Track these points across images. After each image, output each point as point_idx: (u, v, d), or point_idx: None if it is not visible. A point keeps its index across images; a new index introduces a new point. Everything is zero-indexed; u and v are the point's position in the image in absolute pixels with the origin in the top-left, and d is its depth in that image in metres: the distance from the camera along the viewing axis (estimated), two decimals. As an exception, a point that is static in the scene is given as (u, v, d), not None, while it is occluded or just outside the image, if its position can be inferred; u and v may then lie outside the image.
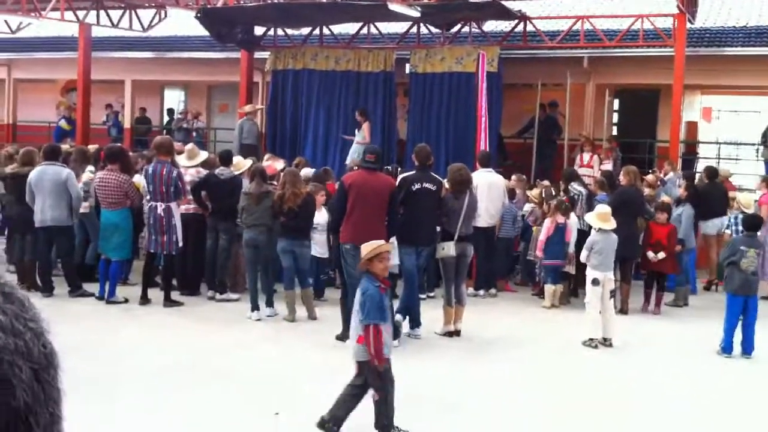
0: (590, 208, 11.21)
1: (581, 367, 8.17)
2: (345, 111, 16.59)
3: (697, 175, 13.94)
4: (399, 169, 12.24)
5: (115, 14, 19.77)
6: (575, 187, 11.78)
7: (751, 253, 8.67)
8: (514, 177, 13.42)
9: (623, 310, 10.65)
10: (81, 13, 19.17)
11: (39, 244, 10.60)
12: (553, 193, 11.77)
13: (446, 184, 9.81)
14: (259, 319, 9.65)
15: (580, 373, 7.96)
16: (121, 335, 8.83)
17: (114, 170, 10.23)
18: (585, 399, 7.13)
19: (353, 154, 15.41)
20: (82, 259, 11.31)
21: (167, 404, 6.62)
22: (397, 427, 6.00)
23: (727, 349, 8.63)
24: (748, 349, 8.66)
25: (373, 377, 5.87)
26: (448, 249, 9.08)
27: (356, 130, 15.75)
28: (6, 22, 21.83)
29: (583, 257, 9.42)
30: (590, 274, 9.21)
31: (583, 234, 11.05)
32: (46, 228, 10.37)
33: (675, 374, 8.09)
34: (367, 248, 6.06)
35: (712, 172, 13.02)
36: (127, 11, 19.83)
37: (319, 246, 10.74)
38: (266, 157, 13.30)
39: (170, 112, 22.81)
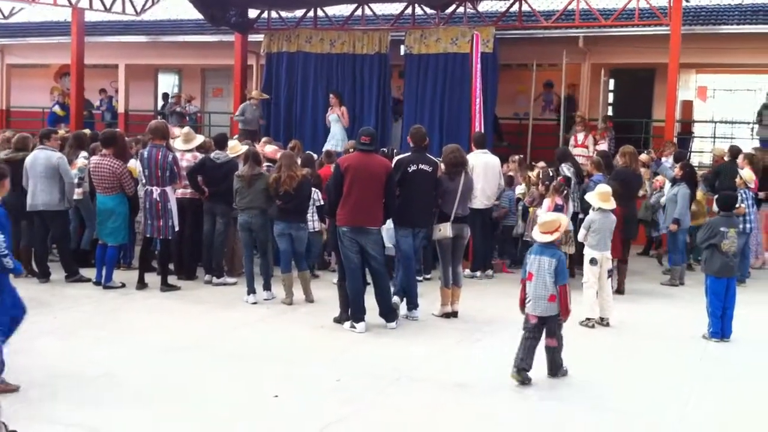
0: (583, 190, 11.20)
1: (578, 347, 8.17)
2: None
3: (699, 155, 13.94)
4: (395, 150, 12.21)
5: (107, -2, 19.66)
6: (564, 168, 11.72)
7: (731, 234, 8.58)
8: (514, 158, 13.40)
9: (620, 290, 10.67)
10: (73, -2, 19.05)
11: (35, 229, 10.59)
12: (551, 173, 11.75)
13: (442, 166, 9.80)
14: (255, 302, 9.66)
15: (576, 353, 7.96)
16: (120, 319, 8.83)
17: (108, 155, 10.20)
18: (581, 378, 7.15)
19: (337, 138, 15.38)
20: (78, 245, 11.31)
21: (167, 386, 6.63)
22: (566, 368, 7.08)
23: (716, 333, 8.50)
24: (727, 332, 8.55)
25: (557, 328, 6.99)
26: (445, 230, 9.08)
27: (332, 114, 15.65)
28: (-2, 6, 21.70)
29: (580, 236, 9.42)
30: (588, 253, 9.21)
31: (574, 216, 11.07)
32: (38, 213, 10.37)
33: (668, 355, 8.11)
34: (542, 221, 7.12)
35: (735, 151, 13.07)
36: (120, -5, 19.73)
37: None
38: (264, 140, 13.28)
39: (165, 96, 22.72)
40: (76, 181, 10.84)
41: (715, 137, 18.80)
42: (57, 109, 21.35)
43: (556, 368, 7.09)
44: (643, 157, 13.07)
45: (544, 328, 7.01)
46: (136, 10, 20.22)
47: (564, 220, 7.53)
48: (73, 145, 11.39)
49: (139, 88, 22.32)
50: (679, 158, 12.73)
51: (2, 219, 6.32)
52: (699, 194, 12.30)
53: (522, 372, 6.87)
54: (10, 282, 6.54)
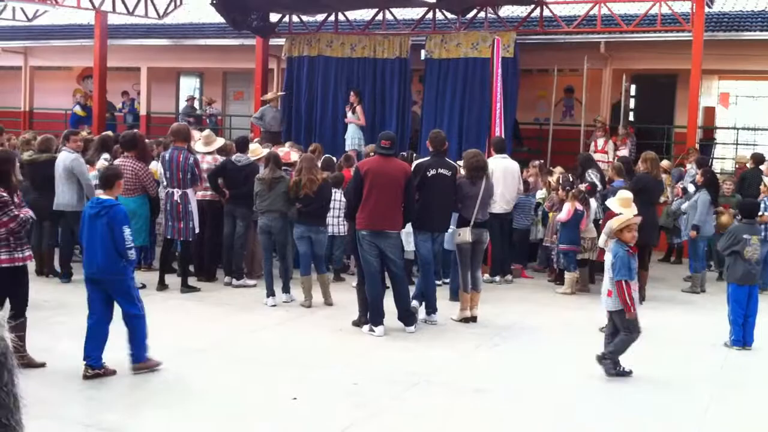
0: (603, 196, 11.17)
1: (598, 352, 8.14)
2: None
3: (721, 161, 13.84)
4: (414, 155, 12.22)
5: (130, 1, 19.81)
6: (590, 174, 11.71)
7: (754, 241, 8.49)
8: (534, 164, 13.33)
9: (641, 297, 10.58)
10: (97, 1, 19.21)
11: (61, 229, 10.73)
12: (570, 179, 11.71)
13: (461, 170, 9.79)
14: (275, 305, 9.69)
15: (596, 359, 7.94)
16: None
17: (130, 157, 10.27)
18: (601, 385, 7.12)
19: (349, 138, 15.42)
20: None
21: (186, 387, 6.66)
22: (620, 366, 7.27)
23: (738, 341, 8.43)
24: (749, 340, 8.48)
25: (622, 320, 7.23)
26: (465, 235, 9.07)
27: (350, 112, 15.72)
28: (22, 9, 21.90)
29: (601, 242, 9.33)
30: (609, 259, 9.14)
31: (596, 223, 11.02)
32: (62, 213, 10.49)
33: (688, 363, 8.05)
34: (617, 220, 7.37)
35: (759, 159, 12.98)
36: (143, -2, 19.88)
37: None
38: (287, 144, 13.32)
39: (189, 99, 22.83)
40: (96, 182, 10.91)
41: (737, 144, 18.65)
42: (77, 109, 21.53)
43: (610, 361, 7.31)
44: (665, 163, 13.00)
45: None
46: (158, 14, 20.36)
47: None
48: (98, 148, 11.47)
49: (161, 91, 22.46)
50: (701, 164, 12.65)
51: (124, 214, 6.81)
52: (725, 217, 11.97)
53: (603, 360, 7.26)
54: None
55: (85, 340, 6.75)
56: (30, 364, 6.56)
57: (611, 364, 7.26)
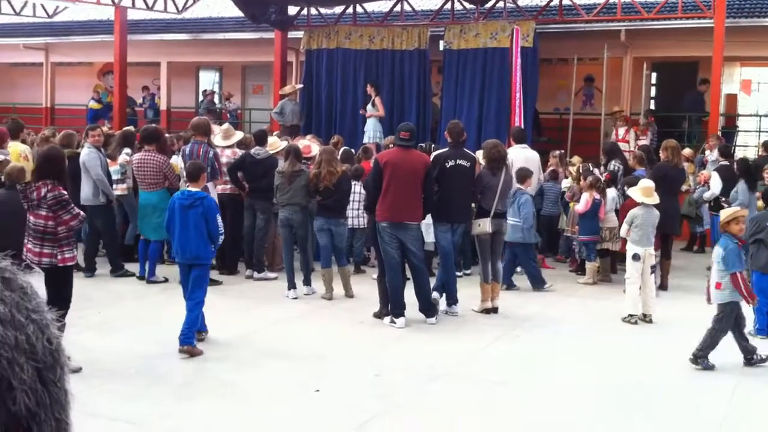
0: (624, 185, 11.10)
1: (620, 343, 8.11)
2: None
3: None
4: (433, 146, 12.20)
5: (149, -3, 19.90)
6: (614, 163, 11.64)
7: None
8: (555, 153, 13.22)
9: (663, 286, 10.55)
10: (116, -4, 19.30)
11: (85, 224, 10.83)
12: (590, 168, 11.65)
13: (480, 161, 9.77)
14: (296, 298, 9.72)
15: (619, 349, 7.91)
16: (162, 314, 8.93)
17: (151, 151, 10.32)
18: (624, 375, 7.09)
19: (370, 131, 15.40)
20: (122, 240, 11.48)
21: (209, 380, 6.71)
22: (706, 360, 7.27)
23: (762, 330, 8.37)
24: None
25: (722, 313, 7.28)
26: (484, 225, 9.05)
27: (369, 105, 15.71)
28: (43, 6, 22.05)
29: (623, 232, 9.32)
30: (630, 249, 9.11)
31: (618, 213, 10.93)
32: (83, 207, 10.57)
33: (712, 352, 7.99)
34: (724, 213, 7.45)
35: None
36: (162, -7, 19.96)
37: None
38: (308, 137, 13.33)
39: (204, 93, 22.92)
40: (118, 177, 11.00)
41: (760, 131, 18.46)
42: (92, 103, 21.67)
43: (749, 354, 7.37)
44: (687, 151, 12.89)
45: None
46: (177, 8, 20.43)
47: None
48: (120, 143, 11.54)
49: (181, 86, 22.55)
50: (724, 152, 12.53)
51: (216, 204, 7.75)
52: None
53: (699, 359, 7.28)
54: None
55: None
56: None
57: (706, 359, 7.28)
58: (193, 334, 7.37)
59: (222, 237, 7.68)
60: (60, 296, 6.62)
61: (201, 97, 22.44)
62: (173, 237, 7.64)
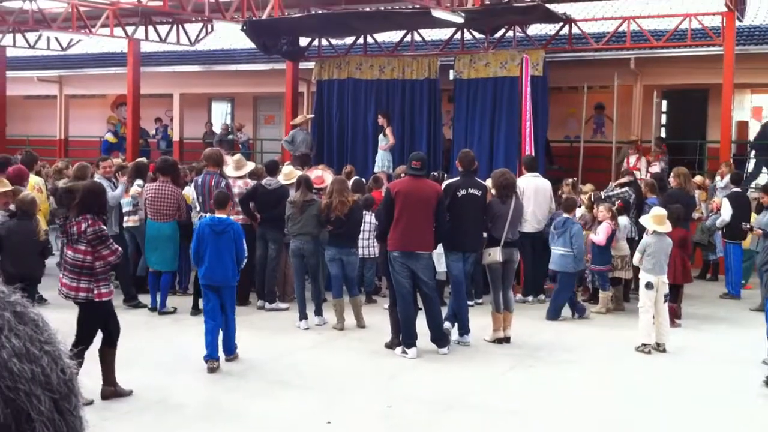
0: (639, 212, 11.08)
1: (634, 373, 8.05)
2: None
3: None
4: (445, 175, 12.22)
5: (162, 29, 20.11)
6: (627, 191, 11.62)
7: None
8: (567, 182, 13.16)
9: (677, 315, 10.47)
10: (130, 29, 19.52)
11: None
12: (602, 196, 11.63)
13: (491, 190, 9.77)
14: (307, 328, 9.70)
15: (632, 379, 7.85)
16: (174, 345, 8.94)
17: (166, 182, 10.38)
18: (638, 405, 7.03)
19: (379, 161, 15.44)
20: (134, 272, 11.51)
21: (222, 411, 6.69)
22: None
23: None
24: None
25: None
26: (495, 254, 9.03)
27: (380, 135, 15.75)
28: (57, 39, 22.31)
29: (636, 260, 9.28)
30: (643, 277, 9.06)
31: (630, 241, 10.90)
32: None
33: (727, 381, 7.92)
34: None
35: None
36: (175, 26, 20.17)
37: None
38: (320, 167, 13.37)
39: (224, 127, 22.92)
40: (130, 208, 11.05)
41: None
42: (109, 136, 21.84)
43: None
44: (698, 179, 12.87)
45: None
46: (190, 41, 20.64)
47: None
48: (133, 175, 11.59)
49: (193, 117, 22.71)
50: (735, 179, 12.50)
51: (241, 228, 8.39)
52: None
53: None
54: None
55: (206, 341, 7.79)
56: (120, 393, 6.88)
57: None
58: (234, 345, 8.19)
59: (245, 260, 8.27)
60: (105, 330, 6.82)
61: (220, 129, 22.36)
62: (202, 262, 7.97)
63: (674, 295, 10.06)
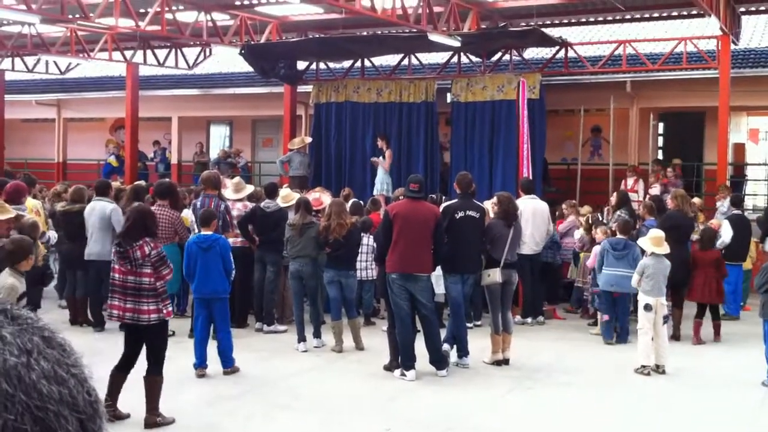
0: (636, 234, 11.09)
1: (633, 395, 8.03)
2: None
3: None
4: (443, 197, 12.24)
5: (161, 53, 20.21)
6: (622, 212, 11.64)
7: None
8: (572, 203, 13.20)
9: (675, 336, 10.48)
10: (128, 53, 19.63)
11: (89, 278, 10.80)
12: (600, 218, 11.65)
13: (489, 212, 9.80)
14: (306, 350, 9.68)
15: (631, 401, 7.83)
16: (172, 368, 8.88)
17: (165, 206, 10.39)
18: (637, 427, 7.01)
19: (379, 183, 15.49)
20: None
21: (218, 436, 6.66)
22: None
23: None
24: None
25: None
26: (494, 276, 9.04)
27: (381, 158, 15.84)
28: (55, 63, 22.42)
29: (634, 282, 9.29)
30: (642, 299, 9.07)
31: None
32: (92, 262, 10.58)
33: (726, 402, 7.91)
34: None
35: None
36: (173, 50, 20.28)
37: None
38: (317, 189, 13.42)
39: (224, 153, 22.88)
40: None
41: (769, 180, 18.51)
42: (112, 159, 21.89)
43: None
44: (697, 200, 12.90)
45: None
46: (188, 64, 20.74)
47: None
48: (131, 198, 11.60)
49: (192, 140, 22.77)
50: (735, 202, 12.54)
51: (227, 242, 8.89)
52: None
53: None
54: None
55: (195, 352, 8.42)
56: (165, 422, 6.89)
57: None
58: (231, 358, 8.50)
59: (234, 272, 8.69)
60: (162, 349, 6.95)
61: (218, 154, 22.30)
62: (193, 277, 8.40)
63: (715, 314, 10.80)
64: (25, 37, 18.51)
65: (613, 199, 12.33)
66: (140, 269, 6.73)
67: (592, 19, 17.36)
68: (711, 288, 10.48)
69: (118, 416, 6.81)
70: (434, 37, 14.33)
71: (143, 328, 6.79)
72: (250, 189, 11.45)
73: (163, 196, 10.46)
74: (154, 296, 6.76)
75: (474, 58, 17.09)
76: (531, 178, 12.49)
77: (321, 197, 11.99)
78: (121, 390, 6.83)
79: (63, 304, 11.75)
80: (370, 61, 17.74)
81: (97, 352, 9.23)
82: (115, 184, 12.67)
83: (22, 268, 6.36)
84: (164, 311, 6.82)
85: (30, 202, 11.32)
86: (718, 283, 10.61)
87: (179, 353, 9.52)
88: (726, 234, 11.80)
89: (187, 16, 16.85)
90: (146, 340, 6.87)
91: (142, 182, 14.01)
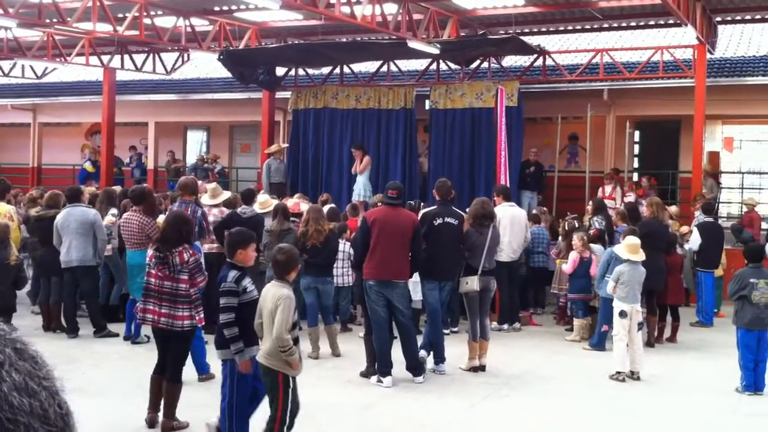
0: (611, 241, 11.17)
1: (608, 402, 8.06)
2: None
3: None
4: (421, 204, 12.25)
5: (138, 58, 20.11)
6: (596, 220, 11.72)
7: (761, 285, 8.38)
8: (534, 210, 13.37)
9: (650, 343, 10.54)
10: (105, 58, 19.51)
11: (65, 285, 10.69)
12: (577, 225, 11.71)
13: (468, 219, 9.81)
14: (283, 357, 9.62)
15: (607, 407, 7.86)
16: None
17: (138, 212, 10.31)
18: (614, 433, 7.04)
19: (359, 189, 15.49)
20: (107, 300, 11.39)
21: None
22: None
23: (749, 386, 8.33)
24: (760, 385, 8.37)
25: None
26: (472, 283, 9.04)
27: (358, 163, 15.87)
28: (32, 67, 22.24)
29: (609, 288, 9.33)
30: (617, 306, 9.11)
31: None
32: (71, 269, 10.47)
33: (700, 409, 7.96)
34: None
35: None
36: (151, 55, 20.18)
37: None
38: (296, 196, 13.39)
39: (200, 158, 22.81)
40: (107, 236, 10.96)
41: (743, 188, 18.67)
42: (88, 165, 21.71)
43: None
44: (673, 209, 13.01)
45: None
46: (166, 70, 20.65)
47: None
48: (104, 202, 11.54)
49: (169, 145, 22.65)
50: (706, 209, 12.65)
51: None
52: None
53: None
54: None
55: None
56: (180, 427, 6.93)
57: None
58: (205, 364, 8.31)
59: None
60: (185, 356, 6.95)
61: (195, 160, 22.23)
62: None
63: (675, 315, 11.33)
64: (1, 41, 18.35)
65: (590, 207, 12.41)
66: (178, 275, 6.69)
67: (570, 28, 17.49)
68: (672, 289, 11.16)
69: (180, 426, 6.89)
70: (413, 45, 14.36)
71: (175, 333, 6.73)
72: (227, 195, 11.39)
73: (137, 202, 10.39)
74: (189, 302, 6.72)
75: (453, 66, 17.16)
76: (508, 185, 12.52)
77: (299, 203, 11.98)
78: (162, 394, 6.84)
79: (36, 309, 11.62)
80: (349, 68, 17.75)
81: (72, 359, 9.16)
82: (90, 189, 12.55)
83: None
84: (197, 318, 6.78)
85: (3, 207, 11.22)
86: (680, 284, 11.37)
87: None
88: (693, 241, 11.91)
89: (165, 21, 16.79)
90: (173, 345, 6.80)
91: (117, 187, 13.92)
